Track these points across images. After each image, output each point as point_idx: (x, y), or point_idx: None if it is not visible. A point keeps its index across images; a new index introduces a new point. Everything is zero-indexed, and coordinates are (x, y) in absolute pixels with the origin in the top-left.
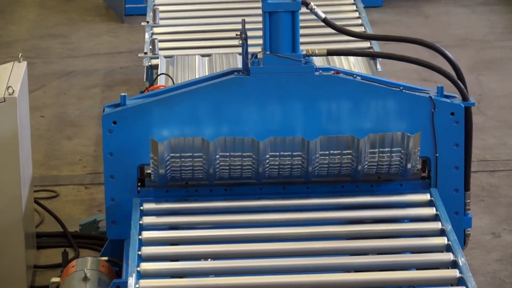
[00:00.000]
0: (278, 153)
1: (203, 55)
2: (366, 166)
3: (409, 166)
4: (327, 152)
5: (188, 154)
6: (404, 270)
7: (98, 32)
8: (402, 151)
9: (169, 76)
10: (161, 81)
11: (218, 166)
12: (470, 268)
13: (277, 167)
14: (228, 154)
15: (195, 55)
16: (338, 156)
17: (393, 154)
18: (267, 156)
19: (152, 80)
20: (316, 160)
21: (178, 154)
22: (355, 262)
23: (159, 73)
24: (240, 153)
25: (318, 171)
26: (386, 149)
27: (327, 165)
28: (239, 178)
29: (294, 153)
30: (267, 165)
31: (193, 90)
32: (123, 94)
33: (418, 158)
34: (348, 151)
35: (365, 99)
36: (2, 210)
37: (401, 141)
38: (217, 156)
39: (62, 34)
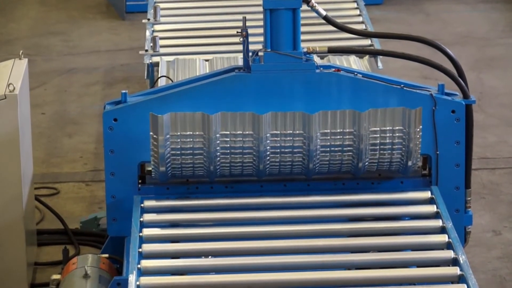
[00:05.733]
0: (279, 132)
1: (204, 53)
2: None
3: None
4: (328, 131)
5: (188, 133)
6: (404, 268)
7: (99, 29)
8: (404, 130)
9: (170, 79)
10: (162, 83)
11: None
12: (470, 266)
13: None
14: (229, 133)
15: (195, 58)
16: (339, 137)
17: (395, 135)
18: (268, 135)
19: (152, 78)
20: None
21: (178, 133)
22: (355, 260)
23: (159, 76)
24: (241, 132)
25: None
26: (388, 128)
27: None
28: (239, 176)
29: (296, 132)
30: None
31: (194, 88)
32: (123, 91)
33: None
34: (350, 130)
35: (366, 96)
36: (3, 208)
37: (403, 118)
38: (218, 135)
39: (62, 31)
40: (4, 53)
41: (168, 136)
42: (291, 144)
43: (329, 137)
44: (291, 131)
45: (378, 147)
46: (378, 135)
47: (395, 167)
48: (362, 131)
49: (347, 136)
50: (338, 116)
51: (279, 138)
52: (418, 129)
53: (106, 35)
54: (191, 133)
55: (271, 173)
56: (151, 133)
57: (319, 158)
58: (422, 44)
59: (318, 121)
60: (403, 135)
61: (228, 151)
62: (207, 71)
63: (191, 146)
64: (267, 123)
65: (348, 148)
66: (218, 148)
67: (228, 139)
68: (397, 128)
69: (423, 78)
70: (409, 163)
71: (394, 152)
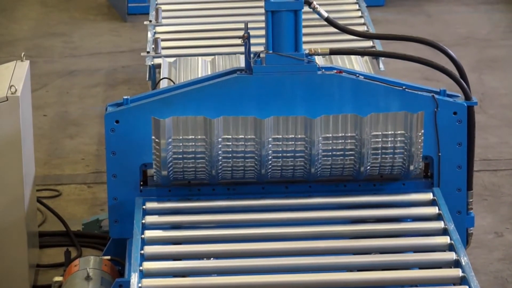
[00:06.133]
0: (281, 136)
1: (205, 55)
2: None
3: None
4: (330, 135)
5: (190, 137)
6: (406, 269)
7: (101, 31)
8: (406, 134)
9: (172, 80)
10: (164, 85)
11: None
12: (472, 267)
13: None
14: (230, 137)
15: (197, 57)
16: (341, 141)
17: (397, 140)
18: (270, 139)
19: (154, 80)
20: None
21: (180, 137)
22: (357, 261)
23: (161, 78)
24: (243, 136)
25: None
26: (390, 132)
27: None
28: (241, 179)
29: (298, 136)
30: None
31: (196, 89)
32: (125, 97)
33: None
34: (351, 134)
35: (368, 98)
36: (4, 209)
37: (404, 122)
38: (220, 139)
39: (64, 33)
40: (6, 54)
41: (170, 140)
42: (293, 149)
43: (331, 142)
44: (293, 136)
45: (380, 151)
46: (380, 140)
47: (397, 171)
48: (364, 135)
49: (349, 141)
50: (340, 120)
51: (281, 143)
52: (420, 133)
53: (107, 36)
54: (193, 137)
55: (273, 177)
56: (153, 137)
57: (321, 162)
58: (423, 46)
59: (320, 126)
60: (405, 139)
61: (230, 155)
62: (209, 70)
63: (193, 150)
64: (269, 128)
65: (350, 153)
66: (220, 152)
67: (230, 143)
68: (399, 132)
69: (424, 79)
70: (411, 167)
71: (396, 156)
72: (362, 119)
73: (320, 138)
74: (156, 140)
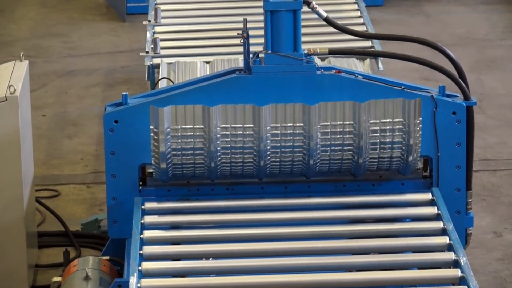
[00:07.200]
0: (279, 125)
1: (204, 55)
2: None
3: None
4: (329, 123)
5: (189, 126)
6: (405, 270)
7: (99, 31)
8: (404, 122)
9: (171, 80)
10: (163, 85)
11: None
12: (471, 268)
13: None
14: (229, 126)
15: (196, 60)
16: (340, 129)
17: (395, 128)
18: (268, 128)
19: (153, 80)
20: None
21: (179, 127)
22: (356, 262)
23: (160, 77)
24: (241, 125)
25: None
26: (388, 120)
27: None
28: (240, 175)
29: (296, 125)
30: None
31: (195, 89)
32: (124, 93)
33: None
34: (349, 122)
35: (367, 98)
36: (3, 209)
37: (402, 109)
38: (218, 129)
39: (63, 33)
40: (5, 54)
41: (168, 129)
42: (291, 138)
43: (329, 130)
44: (291, 124)
45: (378, 140)
46: (378, 128)
47: (395, 163)
48: (362, 124)
49: (347, 129)
50: (337, 108)
51: (279, 131)
52: (418, 121)
53: (106, 36)
54: (192, 126)
55: (271, 172)
56: (151, 127)
57: (319, 152)
58: (422, 46)
59: (318, 113)
60: (403, 127)
61: (229, 145)
62: (208, 73)
63: (192, 140)
64: (267, 116)
65: (349, 142)
66: (218, 142)
67: (229, 132)
68: (396, 120)
69: (423, 79)
70: (410, 158)
71: (394, 145)
72: (360, 106)
73: (319, 126)
74: (155, 130)
